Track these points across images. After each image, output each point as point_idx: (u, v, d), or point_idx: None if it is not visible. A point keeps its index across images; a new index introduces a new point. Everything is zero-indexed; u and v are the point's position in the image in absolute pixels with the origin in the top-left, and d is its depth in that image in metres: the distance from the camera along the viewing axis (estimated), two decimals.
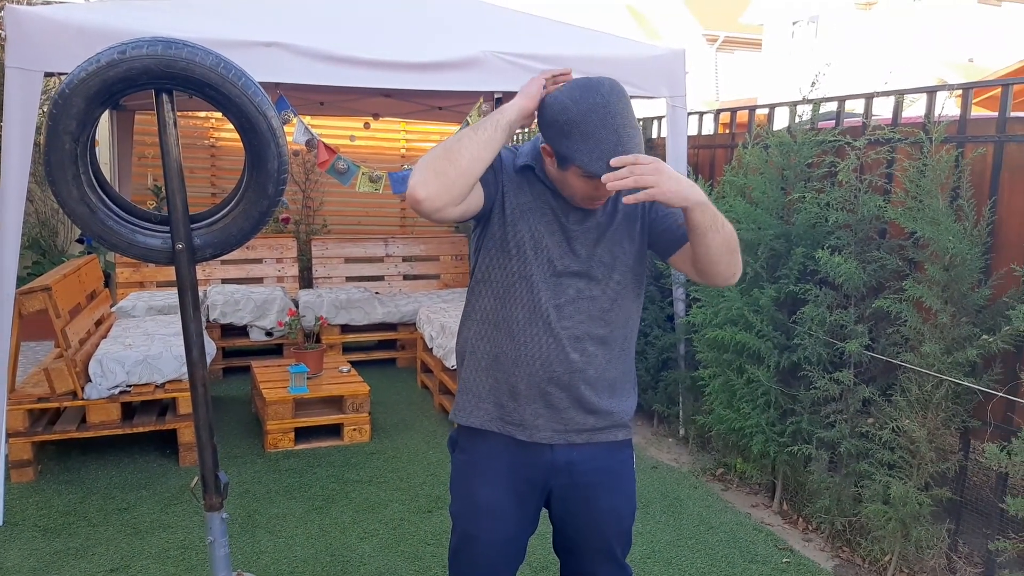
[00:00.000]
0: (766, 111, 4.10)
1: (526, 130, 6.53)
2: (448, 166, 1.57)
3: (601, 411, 1.85)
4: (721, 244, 1.68)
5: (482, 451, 1.89)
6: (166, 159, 2.01)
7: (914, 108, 3.45)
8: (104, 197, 2.00)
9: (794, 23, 21.31)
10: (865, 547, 3.25)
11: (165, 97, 1.99)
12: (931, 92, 3.16)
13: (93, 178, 1.98)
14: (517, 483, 1.87)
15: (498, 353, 1.82)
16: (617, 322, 1.84)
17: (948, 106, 3.15)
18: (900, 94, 3.33)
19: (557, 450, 1.85)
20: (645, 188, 1.55)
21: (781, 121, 4.00)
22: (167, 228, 2.06)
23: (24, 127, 3.42)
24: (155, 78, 1.91)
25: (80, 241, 7.38)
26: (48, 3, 7.30)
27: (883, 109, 3.69)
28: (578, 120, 1.59)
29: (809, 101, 3.70)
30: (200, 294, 5.84)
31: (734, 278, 1.79)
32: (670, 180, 1.56)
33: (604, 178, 1.56)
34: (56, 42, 3.46)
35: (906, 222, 2.97)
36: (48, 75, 3.61)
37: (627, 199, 1.57)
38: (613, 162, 1.57)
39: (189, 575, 3.05)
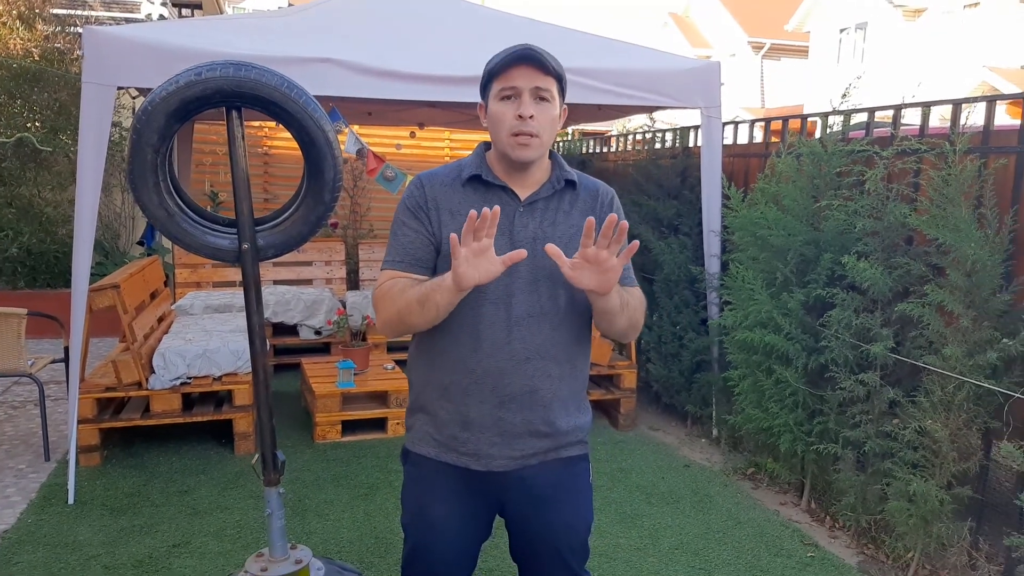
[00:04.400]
0: (799, 121, 4.22)
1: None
2: (401, 326, 1.72)
3: (555, 433, 1.82)
4: (625, 325, 1.77)
5: (433, 470, 1.86)
6: (235, 169, 2.24)
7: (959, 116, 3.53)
8: (180, 202, 2.24)
9: (842, 30, 21.15)
10: (889, 544, 3.34)
11: (235, 113, 2.21)
12: (956, 104, 3.26)
13: (171, 185, 2.21)
14: (469, 500, 1.86)
15: (449, 383, 1.78)
16: (568, 339, 1.81)
17: (979, 114, 3.24)
18: (927, 105, 3.43)
19: (511, 473, 1.83)
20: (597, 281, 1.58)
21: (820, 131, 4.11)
22: (234, 230, 2.29)
23: (98, 137, 3.71)
24: (227, 97, 2.14)
25: (140, 243, 7.75)
26: (110, 21, 7.73)
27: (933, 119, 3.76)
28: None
29: (839, 112, 3.81)
30: None
31: (626, 339, 1.86)
32: (612, 281, 1.61)
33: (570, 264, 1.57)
34: (127, 59, 3.74)
35: (929, 229, 3.07)
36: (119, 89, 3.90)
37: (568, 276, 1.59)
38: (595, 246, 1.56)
39: (245, 551, 3.28)
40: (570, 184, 1.82)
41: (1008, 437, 2.87)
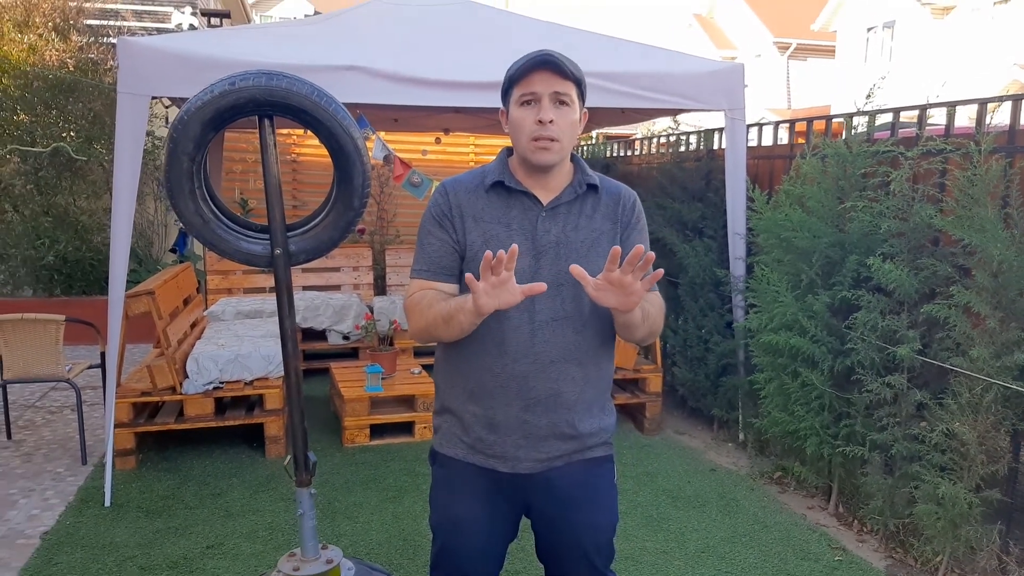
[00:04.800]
0: (824, 122, 4.21)
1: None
2: (430, 337, 1.80)
3: (579, 435, 1.85)
4: (644, 334, 1.81)
5: (461, 470, 1.89)
6: (267, 175, 2.30)
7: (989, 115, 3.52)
8: (215, 209, 2.30)
9: (869, 29, 20.94)
10: (918, 548, 3.33)
11: (267, 122, 2.27)
12: (982, 103, 3.25)
13: (206, 192, 2.28)
14: (495, 501, 1.89)
15: (473, 387, 1.82)
16: (591, 342, 1.83)
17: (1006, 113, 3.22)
18: (952, 105, 3.41)
19: (536, 475, 1.86)
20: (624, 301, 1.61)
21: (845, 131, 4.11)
22: (267, 236, 2.35)
23: (134, 146, 3.80)
24: (259, 106, 2.20)
25: (172, 251, 7.91)
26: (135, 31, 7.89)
27: (961, 118, 3.74)
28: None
29: (864, 113, 3.81)
30: None
31: (644, 344, 1.91)
32: (636, 302, 1.64)
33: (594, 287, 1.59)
34: (160, 69, 3.83)
35: (954, 230, 3.06)
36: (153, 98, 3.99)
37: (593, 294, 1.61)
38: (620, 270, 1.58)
39: (276, 552, 3.34)
40: (592, 188, 1.85)
41: None
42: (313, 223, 2.40)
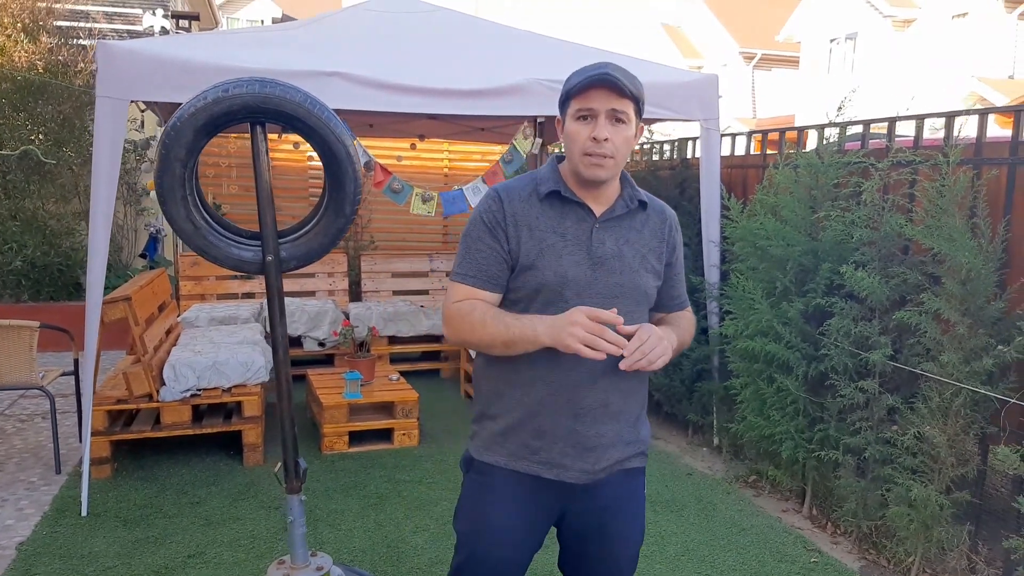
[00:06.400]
0: (796, 133, 4.31)
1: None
2: (473, 347, 1.82)
3: (622, 444, 1.87)
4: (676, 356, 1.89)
5: (500, 477, 1.87)
6: (259, 182, 2.31)
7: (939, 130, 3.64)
8: (206, 215, 2.31)
9: (832, 40, 21.36)
10: (890, 549, 3.42)
11: (259, 128, 2.29)
12: (950, 116, 3.36)
13: (197, 199, 2.28)
14: (532, 509, 1.88)
15: (522, 395, 1.82)
16: None
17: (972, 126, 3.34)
18: (921, 118, 3.53)
19: (579, 485, 1.86)
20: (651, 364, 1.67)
21: (814, 142, 4.22)
22: (258, 243, 2.36)
23: (112, 150, 3.76)
24: (252, 112, 2.21)
25: (142, 256, 7.82)
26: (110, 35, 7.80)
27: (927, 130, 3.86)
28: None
29: (835, 124, 3.91)
30: (258, 306, 6.20)
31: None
32: (668, 342, 1.72)
33: (620, 365, 1.65)
34: (140, 72, 3.80)
35: (925, 239, 3.17)
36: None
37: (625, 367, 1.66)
38: (625, 352, 1.65)
39: (259, 561, 3.33)
40: (641, 204, 1.88)
41: (1004, 442, 2.95)
42: (304, 229, 2.41)
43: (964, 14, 16.75)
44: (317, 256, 2.41)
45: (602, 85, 1.70)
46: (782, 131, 4.52)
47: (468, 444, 1.96)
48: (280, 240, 2.37)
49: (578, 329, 1.61)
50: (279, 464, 2.42)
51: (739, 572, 3.36)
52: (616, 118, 1.73)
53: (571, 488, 1.86)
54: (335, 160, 2.30)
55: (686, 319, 1.97)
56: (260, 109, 2.20)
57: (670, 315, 1.99)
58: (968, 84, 15.08)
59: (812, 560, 3.49)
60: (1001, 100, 13.17)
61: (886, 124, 3.68)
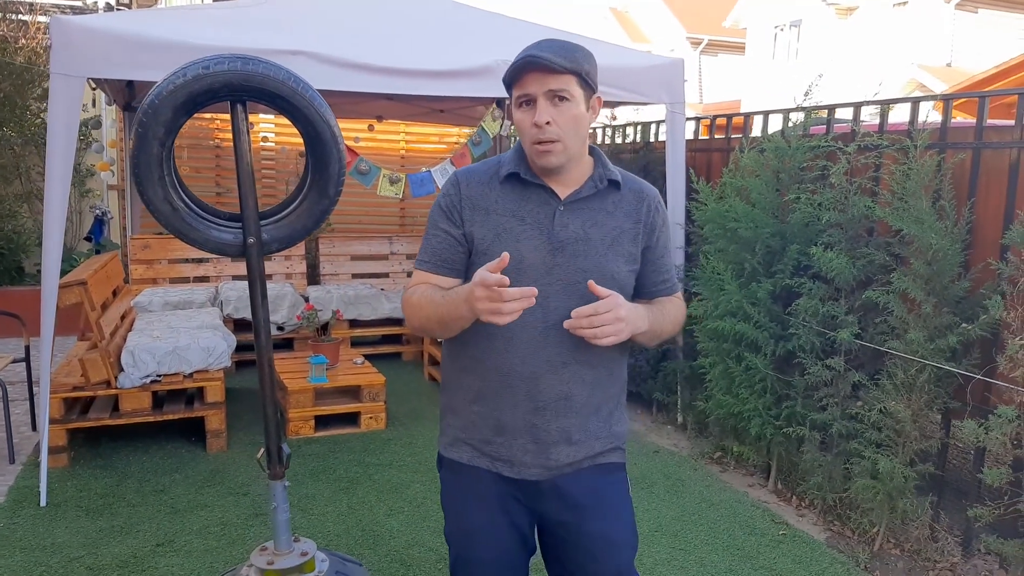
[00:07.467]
0: (761, 117, 4.38)
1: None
2: (429, 335, 1.77)
3: (589, 440, 1.78)
4: (657, 342, 1.84)
5: (469, 475, 1.82)
6: (239, 163, 2.24)
7: (893, 114, 3.73)
8: (184, 197, 2.23)
9: (776, 27, 21.69)
10: (855, 520, 3.53)
11: (239, 107, 2.22)
12: (915, 102, 3.45)
13: (175, 180, 2.20)
14: (506, 506, 1.80)
15: (481, 386, 1.75)
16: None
17: (925, 111, 3.44)
18: (886, 104, 3.61)
19: (543, 482, 1.78)
20: (606, 337, 1.58)
21: (773, 126, 4.28)
22: (239, 225, 2.29)
23: (68, 129, 3.61)
24: (234, 91, 2.14)
25: (87, 239, 7.55)
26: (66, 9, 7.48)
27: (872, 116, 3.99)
28: None
29: (803, 109, 3.98)
30: (213, 290, 6.06)
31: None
32: (628, 325, 1.61)
33: (565, 324, 1.59)
34: (97, 49, 3.66)
35: (893, 221, 3.25)
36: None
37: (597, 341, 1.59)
38: (573, 313, 1.58)
39: (231, 548, 3.27)
40: (613, 184, 1.76)
41: (968, 416, 3.06)
42: (286, 211, 2.35)
43: (904, 3, 17.17)
44: (300, 238, 2.35)
45: (533, 68, 1.62)
46: (747, 116, 4.58)
47: (438, 440, 1.91)
48: (262, 222, 2.31)
49: (482, 301, 1.50)
50: (261, 450, 2.37)
51: (711, 546, 3.43)
52: (558, 96, 1.63)
53: (535, 486, 1.77)
54: (319, 140, 2.24)
55: (671, 304, 1.85)
56: (242, 87, 2.13)
57: (655, 300, 1.85)
58: (908, 71, 15.50)
59: (781, 532, 3.57)
60: (940, 87, 13.55)
61: (851, 109, 3.76)
